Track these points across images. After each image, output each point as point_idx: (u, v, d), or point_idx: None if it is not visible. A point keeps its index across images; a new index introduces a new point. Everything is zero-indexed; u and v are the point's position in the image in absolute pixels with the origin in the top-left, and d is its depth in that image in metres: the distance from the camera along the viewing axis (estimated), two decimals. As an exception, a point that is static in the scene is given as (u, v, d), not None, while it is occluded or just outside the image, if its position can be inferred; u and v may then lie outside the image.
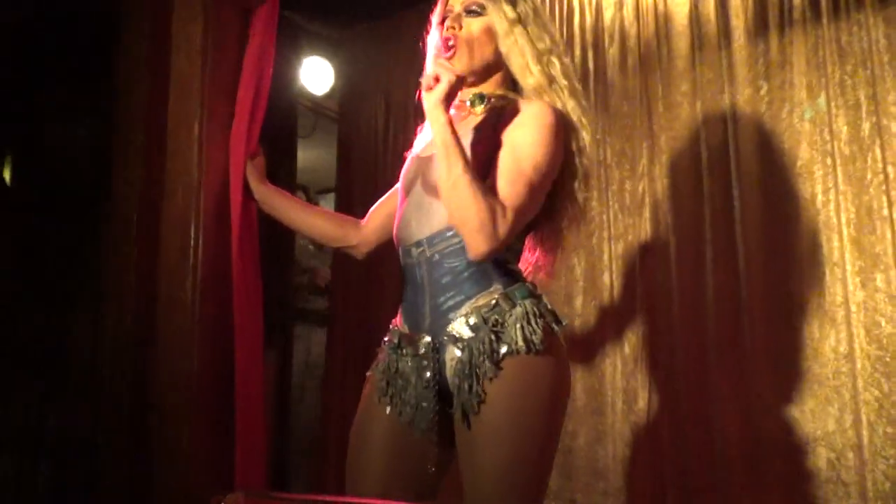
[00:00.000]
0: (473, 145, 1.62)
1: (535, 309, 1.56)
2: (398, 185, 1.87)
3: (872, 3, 2.42)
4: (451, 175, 1.49)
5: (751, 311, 2.48)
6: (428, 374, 1.58)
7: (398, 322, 1.72)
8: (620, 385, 2.67)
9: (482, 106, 1.69)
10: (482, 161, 1.58)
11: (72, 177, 2.32)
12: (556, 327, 1.58)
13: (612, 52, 2.86)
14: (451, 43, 1.66)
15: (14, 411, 2.27)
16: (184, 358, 1.88)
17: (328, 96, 3.66)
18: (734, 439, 2.42)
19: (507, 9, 1.67)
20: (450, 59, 1.65)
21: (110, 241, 2.03)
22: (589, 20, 2.92)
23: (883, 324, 2.31)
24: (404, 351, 1.65)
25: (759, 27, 2.60)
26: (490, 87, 1.72)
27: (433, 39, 1.76)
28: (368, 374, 1.76)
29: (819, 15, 2.50)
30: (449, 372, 1.58)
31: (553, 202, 1.68)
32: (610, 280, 2.76)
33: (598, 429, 2.69)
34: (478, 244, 1.49)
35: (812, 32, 2.51)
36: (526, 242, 1.72)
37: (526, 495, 1.51)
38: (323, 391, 3.37)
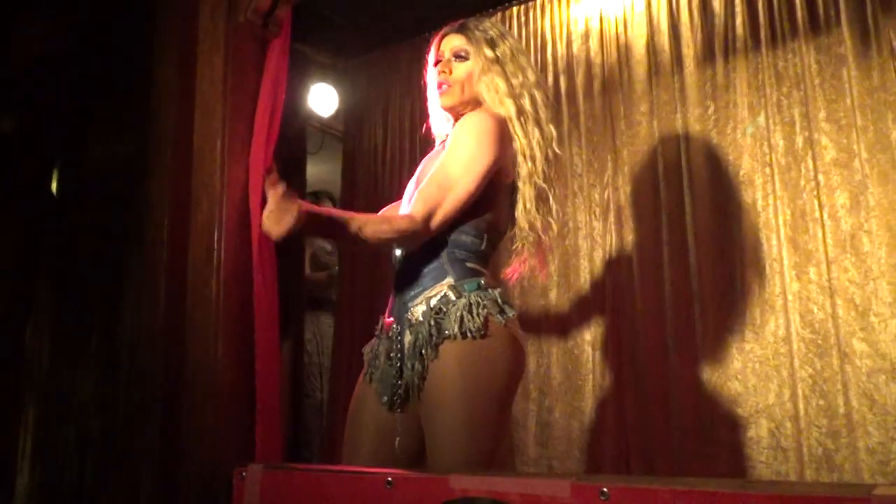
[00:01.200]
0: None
1: (479, 300, 1.56)
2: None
3: (805, 33, 2.45)
4: (349, 240, 1.51)
5: (702, 302, 2.50)
6: (392, 354, 1.62)
7: (386, 313, 1.74)
8: (591, 366, 2.68)
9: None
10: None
11: (111, 188, 2.32)
12: (499, 317, 1.57)
13: (580, 77, 2.88)
14: (443, 85, 1.74)
15: (76, 390, 2.28)
16: (208, 345, 1.89)
17: (334, 118, 3.66)
18: (688, 412, 2.43)
19: (487, 51, 1.72)
20: (443, 94, 1.73)
21: (144, 244, 2.04)
22: (560, 50, 2.94)
23: (815, 311, 2.33)
24: (381, 336, 1.70)
25: (706, 55, 2.62)
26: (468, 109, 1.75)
27: (430, 76, 1.81)
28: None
29: (759, 44, 2.53)
30: (405, 351, 1.61)
31: (511, 211, 1.70)
32: (581, 275, 2.77)
33: (571, 404, 2.70)
34: (409, 244, 1.59)
35: (752, 59, 2.54)
36: (516, 249, 1.72)
37: (469, 457, 1.51)
38: (331, 374, 3.37)
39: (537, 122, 1.71)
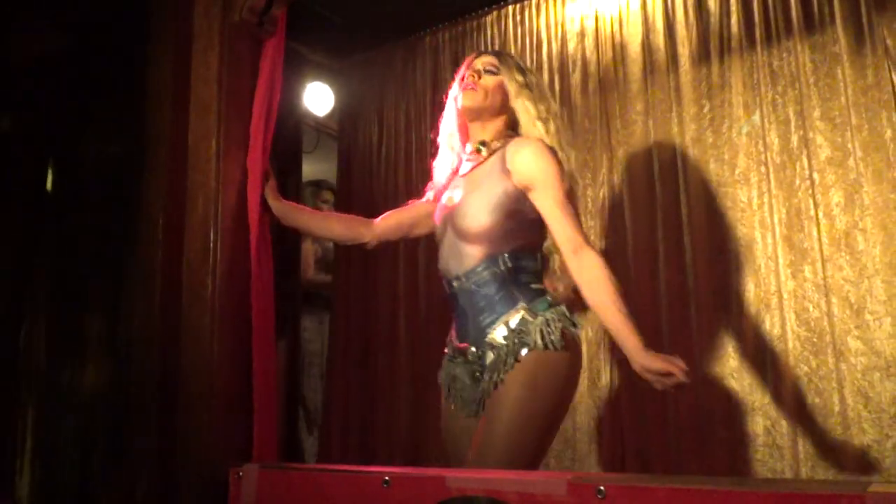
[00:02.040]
0: (502, 188, 1.79)
1: (553, 316, 1.74)
2: (416, 202, 2.10)
3: (800, 32, 2.46)
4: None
5: (697, 300, 2.51)
6: (476, 374, 1.79)
7: (452, 336, 1.89)
8: (586, 364, 2.68)
9: (485, 150, 1.88)
10: (520, 198, 1.78)
11: (106, 187, 2.32)
12: (571, 330, 1.75)
13: (576, 76, 2.88)
14: (470, 85, 1.87)
15: (73, 389, 2.29)
16: (204, 345, 1.88)
17: (329, 117, 3.66)
18: (684, 410, 2.44)
19: (518, 75, 1.88)
20: (467, 93, 1.86)
21: (140, 243, 2.03)
22: (555, 49, 2.95)
23: (811, 309, 2.34)
24: (457, 360, 1.85)
25: (702, 54, 2.63)
26: (492, 130, 1.90)
27: (453, 89, 1.96)
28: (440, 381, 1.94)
29: (754, 43, 2.54)
30: (488, 367, 1.76)
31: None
32: (576, 274, 2.77)
33: (567, 403, 2.70)
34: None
35: (748, 58, 2.55)
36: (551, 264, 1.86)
37: (524, 455, 1.66)
38: (327, 374, 3.37)
39: (561, 146, 1.85)
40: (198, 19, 2.00)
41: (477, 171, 1.87)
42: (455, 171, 1.97)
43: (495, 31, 3.09)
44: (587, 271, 1.70)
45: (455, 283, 1.82)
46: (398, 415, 3.02)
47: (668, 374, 1.58)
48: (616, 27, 2.81)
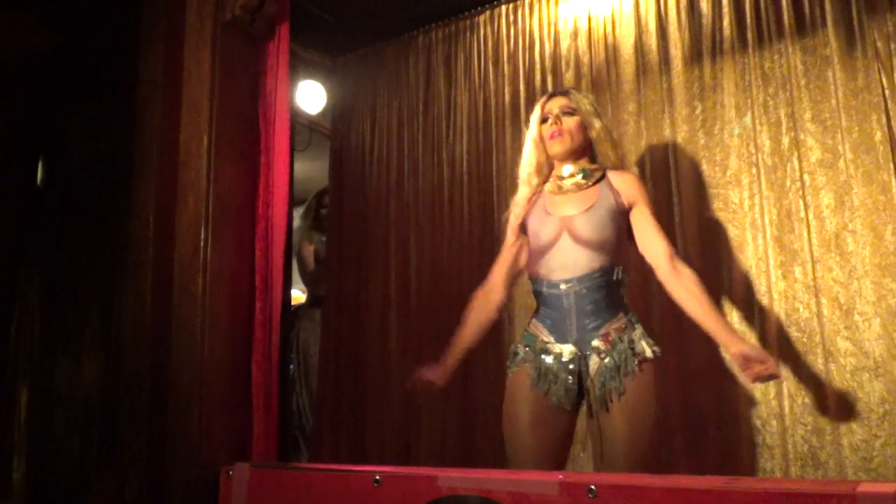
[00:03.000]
0: (615, 204, 2.07)
1: (642, 329, 2.01)
2: (505, 250, 2.22)
3: (791, 34, 2.47)
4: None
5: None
6: (571, 370, 1.97)
7: (538, 332, 2.05)
8: (578, 365, 2.69)
9: (590, 179, 2.11)
10: (625, 215, 2.07)
11: (98, 184, 2.31)
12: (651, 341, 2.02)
13: (568, 76, 2.89)
14: (555, 135, 2.11)
15: (66, 387, 2.28)
16: (195, 344, 1.88)
17: (321, 115, 3.65)
18: (676, 410, 2.45)
19: (591, 110, 2.14)
20: (555, 142, 2.10)
21: (131, 242, 2.03)
22: (548, 49, 2.95)
23: (801, 310, 2.36)
24: (550, 355, 2.01)
25: (694, 56, 2.64)
26: (582, 161, 2.15)
27: (531, 133, 2.18)
28: (509, 371, 2.10)
29: (745, 45, 2.55)
30: (592, 372, 1.96)
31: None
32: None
33: (558, 403, 2.70)
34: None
35: (739, 60, 2.56)
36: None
37: (646, 456, 1.90)
38: (319, 373, 3.35)
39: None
40: (189, 17, 1.99)
41: (586, 192, 2.10)
42: (537, 195, 2.17)
43: (488, 30, 3.10)
44: (687, 282, 1.97)
45: (564, 286, 2.01)
46: (390, 414, 3.02)
47: (763, 365, 1.83)
48: (609, 28, 2.82)
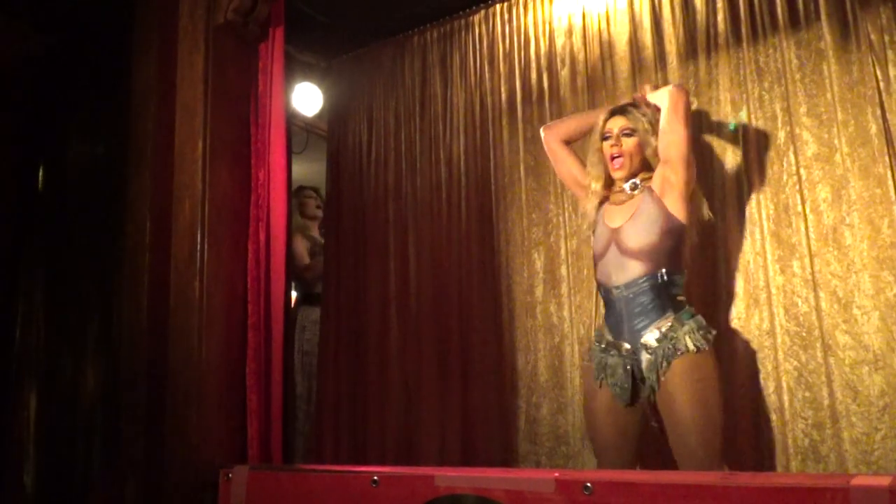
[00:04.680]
0: (661, 215, 2.19)
1: (696, 324, 2.13)
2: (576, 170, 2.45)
3: (785, 29, 2.47)
4: None
5: (687, 296, 2.49)
6: (628, 367, 2.15)
7: (604, 330, 2.26)
8: (577, 362, 2.69)
9: (639, 190, 2.26)
10: (669, 217, 2.18)
11: (94, 187, 2.32)
12: (710, 336, 2.14)
13: (564, 73, 2.89)
14: (616, 160, 2.28)
15: (67, 390, 2.30)
16: (192, 347, 1.89)
17: (318, 117, 3.66)
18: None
19: (646, 126, 2.28)
20: (618, 168, 2.27)
21: (127, 246, 2.04)
22: (543, 47, 2.96)
23: (799, 304, 2.35)
24: (611, 352, 2.19)
25: (689, 51, 2.64)
26: (640, 174, 2.29)
27: (594, 145, 2.34)
28: (585, 364, 2.35)
29: (740, 40, 2.55)
30: (644, 366, 2.13)
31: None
32: (566, 272, 2.79)
33: (559, 401, 2.71)
34: None
35: (734, 55, 2.56)
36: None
37: (707, 441, 2.04)
38: (318, 372, 3.35)
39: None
40: (183, 21, 2.00)
41: (633, 202, 2.25)
42: (601, 202, 2.35)
43: (483, 29, 3.10)
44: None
45: (615, 292, 2.20)
46: (390, 414, 3.03)
47: None
48: (603, 24, 2.82)
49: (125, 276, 1.97)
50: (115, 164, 2.08)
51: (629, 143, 2.28)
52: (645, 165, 2.30)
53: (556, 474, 1.30)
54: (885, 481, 1.08)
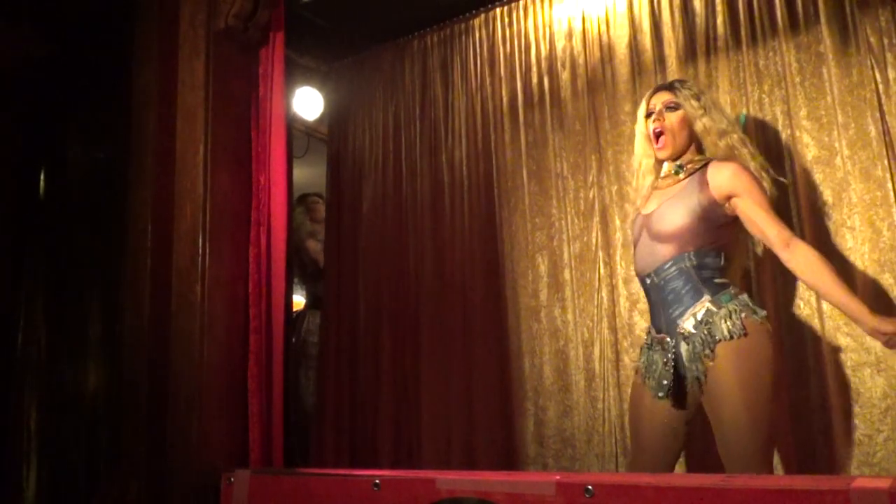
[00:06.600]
0: (696, 199, 2.06)
1: (735, 307, 1.97)
2: None
3: (785, 32, 2.48)
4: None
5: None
6: (668, 358, 2.02)
7: (651, 328, 2.15)
8: (582, 365, 2.70)
9: (683, 173, 2.14)
10: (713, 206, 2.05)
11: (95, 192, 2.33)
12: (754, 317, 1.97)
13: (565, 77, 2.90)
14: (660, 133, 2.16)
15: (70, 393, 2.31)
16: (193, 351, 1.90)
17: (318, 121, 3.67)
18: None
19: (693, 103, 2.15)
20: (661, 147, 2.15)
21: (129, 250, 2.05)
22: (544, 50, 2.97)
23: (801, 306, 2.36)
24: (655, 348, 2.10)
25: (688, 54, 2.65)
26: (686, 156, 2.17)
27: (640, 128, 2.25)
28: (636, 364, 2.25)
29: (739, 43, 2.56)
30: (685, 358, 2.01)
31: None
32: (570, 275, 2.80)
33: (565, 403, 2.72)
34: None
35: (734, 58, 2.57)
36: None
37: (754, 434, 1.89)
38: (319, 375, 3.35)
39: (752, 157, 2.13)
40: (183, 27, 2.02)
41: (674, 187, 2.14)
42: (652, 188, 2.24)
43: (483, 33, 3.11)
44: (802, 258, 1.95)
45: (648, 280, 2.11)
46: (391, 418, 3.03)
47: None
48: (603, 28, 2.83)
49: (127, 281, 1.98)
50: (116, 169, 2.09)
51: (673, 119, 2.15)
52: (695, 143, 2.17)
53: (557, 477, 1.30)
54: (884, 483, 1.08)
